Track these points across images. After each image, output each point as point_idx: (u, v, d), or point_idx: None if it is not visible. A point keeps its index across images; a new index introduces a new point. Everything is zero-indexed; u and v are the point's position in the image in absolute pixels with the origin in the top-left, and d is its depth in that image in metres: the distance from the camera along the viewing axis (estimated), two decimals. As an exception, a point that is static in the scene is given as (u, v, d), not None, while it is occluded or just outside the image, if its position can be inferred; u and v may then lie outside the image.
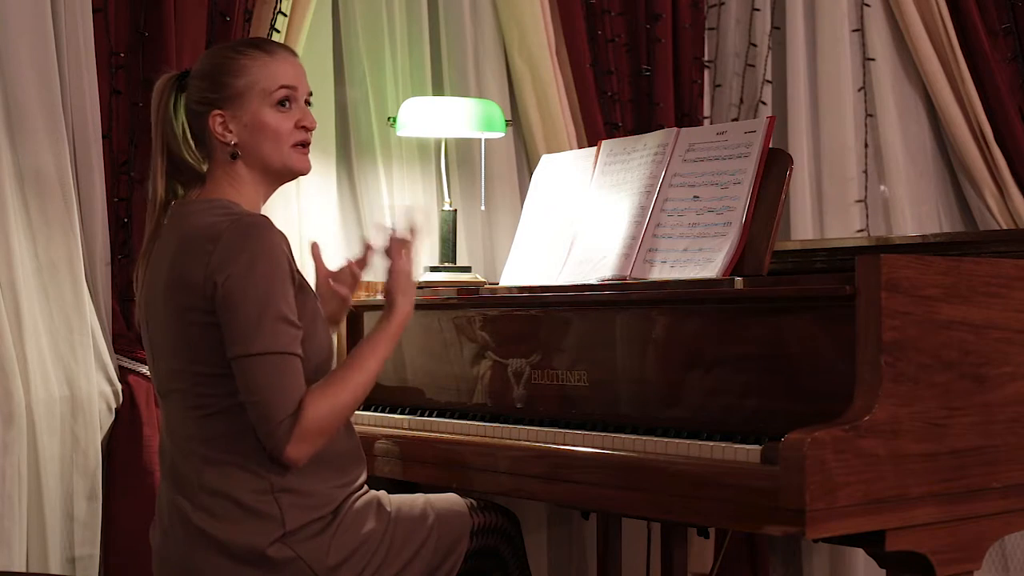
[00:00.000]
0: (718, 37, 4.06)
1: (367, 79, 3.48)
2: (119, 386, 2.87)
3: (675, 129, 2.76)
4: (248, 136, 2.26)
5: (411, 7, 3.55)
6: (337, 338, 3.06)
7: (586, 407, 2.56)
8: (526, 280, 2.90)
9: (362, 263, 2.56)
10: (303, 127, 2.30)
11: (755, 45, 4.00)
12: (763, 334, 2.28)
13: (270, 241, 2.15)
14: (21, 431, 2.73)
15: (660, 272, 2.60)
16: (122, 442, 2.86)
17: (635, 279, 2.64)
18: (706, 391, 2.37)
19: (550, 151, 3.40)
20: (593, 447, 2.37)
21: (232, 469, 2.17)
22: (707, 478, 2.13)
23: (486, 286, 3.16)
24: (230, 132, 2.26)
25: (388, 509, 2.31)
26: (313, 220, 3.38)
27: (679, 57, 3.90)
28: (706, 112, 4.01)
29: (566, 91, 3.69)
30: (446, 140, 3.46)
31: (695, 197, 2.63)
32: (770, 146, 2.57)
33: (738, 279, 2.41)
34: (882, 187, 3.98)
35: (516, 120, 3.70)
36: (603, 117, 3.73)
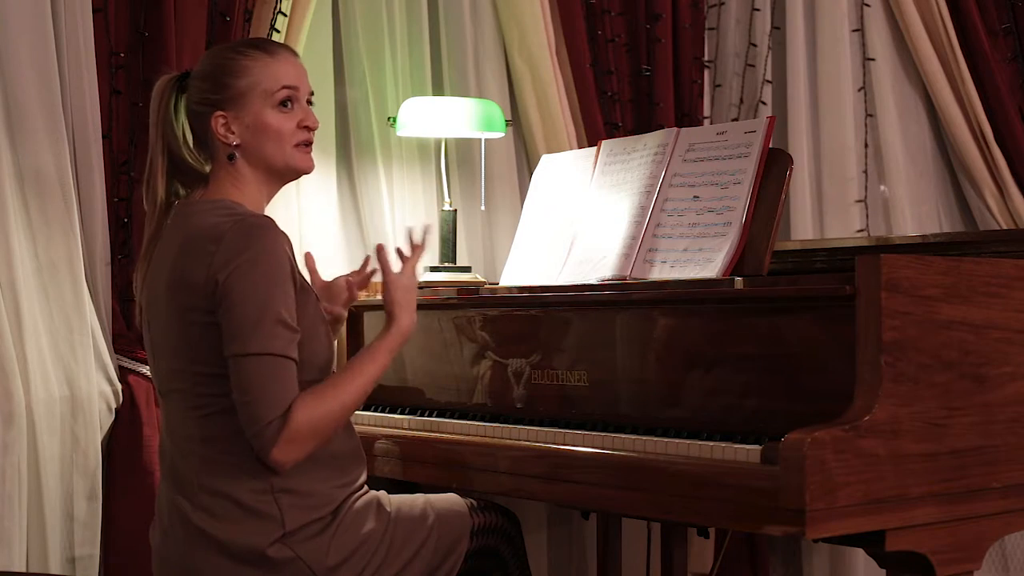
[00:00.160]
0: (718, 37, 4.06)
1: (367, 79, 3.48)
2: (119, 386, 2.87)
3: (675, 129, 2.76)
4: (251, 137, 2.26)
5: (411, 7, 3.55)
6: (337, 341, 3.06)
7: (586, 407, 2.56)
8: (526, 280, 2.90)
9: (363, 283, 2.56)
10: (305, 127, 2.30)
11: (755, 45, 4.00)
12: (763, 334, 2.28)
13: (273, 242, 2.15)
14: (21, 431, 2.73)
15: (660, 272, 2.60)
16: (122, 442, 2.86)
17: (635, 279, 2.64)
18: (706, 391, 2.36)
19: (550, 151, 3.40)
20: (593, 447, 2.37)
21: (232, 469, 2.17)
22: (707, 478, 2.13)
23: (486, 286, 3.16)
24: (232, 133, 2.26)
25: (388, 509, 2.31)
26: (313, 220, 3.38)
27: (679, 57, 3.90)
28: (706, 112, 4.01)
29: (566, 91, 3.69)
30: (446, 140, 3.47)
31: (695, 197, 2.63)
32: (770, 146, 2.57)
33: (738, 279, 2.41)
34: (882, 187, 3.98)
35: (516, 120, 3.70)
36: (603, 117, 3.73)
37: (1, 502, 2.69)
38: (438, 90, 3.63)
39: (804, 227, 3.91)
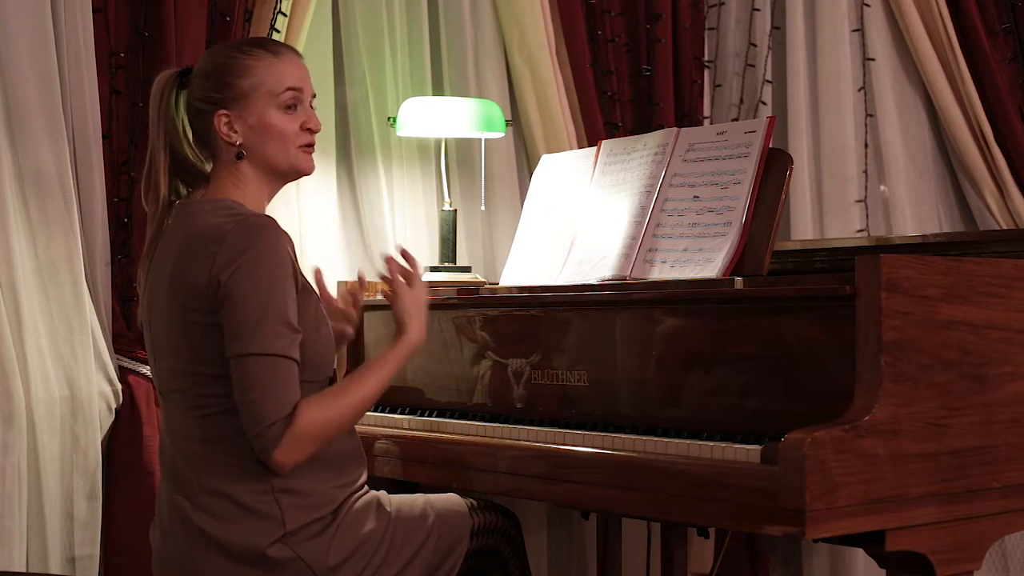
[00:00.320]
0: (718, 37, 4.06)
1: (367, 79, 3.48)
2: (119, 386, 2.87)
3: (675, 129, 2.76)
4: (254, 137, 2.26)
5: (411, 7, 3.55)
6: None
7: (586, 407, 2.56)
8: (526, 280, 2.90)
9: (357, 298, 2.58)
10: (308, 129, 2.30)
11: (755, 45, 4.00)
12: (763, 334, 2.28)
13: (275, 242, 2.15)
14: (21, 431, 2.73)
15: (660, 272, 2.60)
16: (122, 442, 2.86)
17: (635, 279, 2.64)
18: (706, 391, 2.36)
19: (550, 151, 3.40)
20: (593, 447, 2.37)
21: (232, 469, 2.17)
22: (707, 478, 2.13)
23: (486, 286, 3.16)
24: (235, 132, 2.26)
25: (388, 509, 2.31)
26: (313, 220, 3.38)
27: (679, 57, 3.90)
28: (706, 112, 4.01)
29: (566, 91, 3.69)
30: (446, 140, 3.46)
31: (695, 197, 2.63)
32: (770, 146, 2.57)
33: (738, 279, 2.41)
34: (882, 187, 3.98)
35: (516, 120, 3.70)
36: (603, 117, 3.73)
37: (1, 502, 2.69)
38: (438, 90, 3.63)
39: (804, 227, 3.91)
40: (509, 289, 2.88)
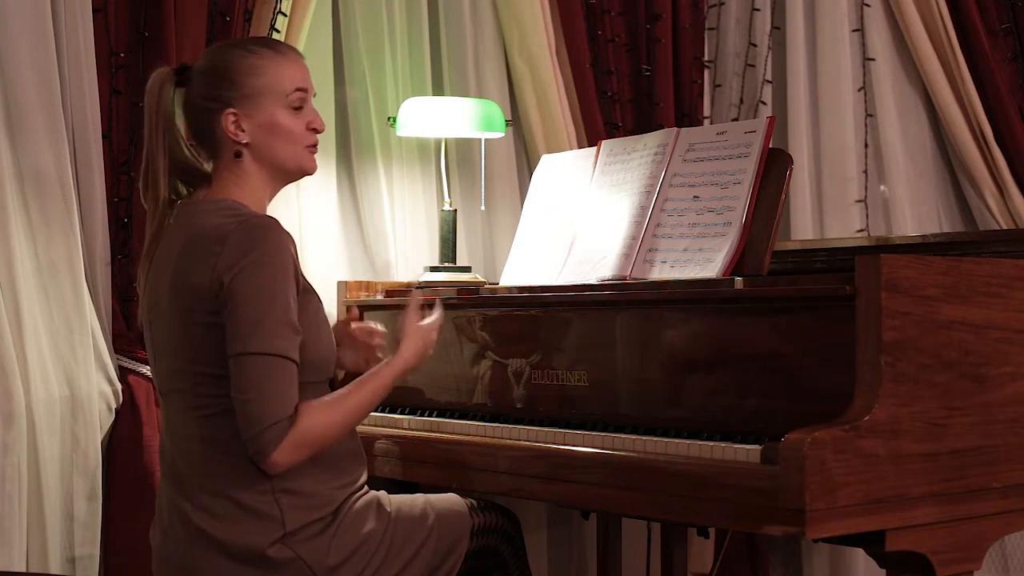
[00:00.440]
0: (718, 37, 4.06)
1: (367, 79, 3.48)
2: (119, 386, 2.87)
3: (675, 129, 2.76)
4: (262, 137, 2.26)
5: (411, 7, 3.55)
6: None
7: (586, 407, 2.56)
8: (526, 280, 2.90)
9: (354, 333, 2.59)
10: (313, 129, 2.31)
11: (755, 45, 4.00)
12: (763, 334, 2.28)
13: (278, 243, 2.15)
14: (21, 431, 2.73)
15: (660, 272, 2.60)
16: (122, 442, 2.86)
17: (635, 279, 2.64)
18: (706, 391, 2.36)
19: (550, 151, 3.40)
20: (593, 447, 2.37)
21: (232, 470, 2.16)
22: (707, 478, 2.13)
23: (486, 286, 3.16)
24: (243, 131, 2.25)
25: (388, 509, 2.31)
26: (313, 220, 3.38)
27: (679, 57, 3.90)
28: (706, 112, 4.01)
29: (566, 91, 3.69)
30: (446, 140, 3.46)
31: (695, 197, 2.62)
32: (770, 146, 2.57)
33: (738, 279, 2.41)
34: (882, 187, 3.98)
35: (516, 120, 3.70)
36: (603, 117, 3.73)
37: (1, 502, 2.69)
38: (438, 90, 3.63)
39: (804, 227, 3.91)
40: (509, 289, 2.88)
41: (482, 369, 2.79)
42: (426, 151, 3.56)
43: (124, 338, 2.90)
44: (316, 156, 2.36)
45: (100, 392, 2.84)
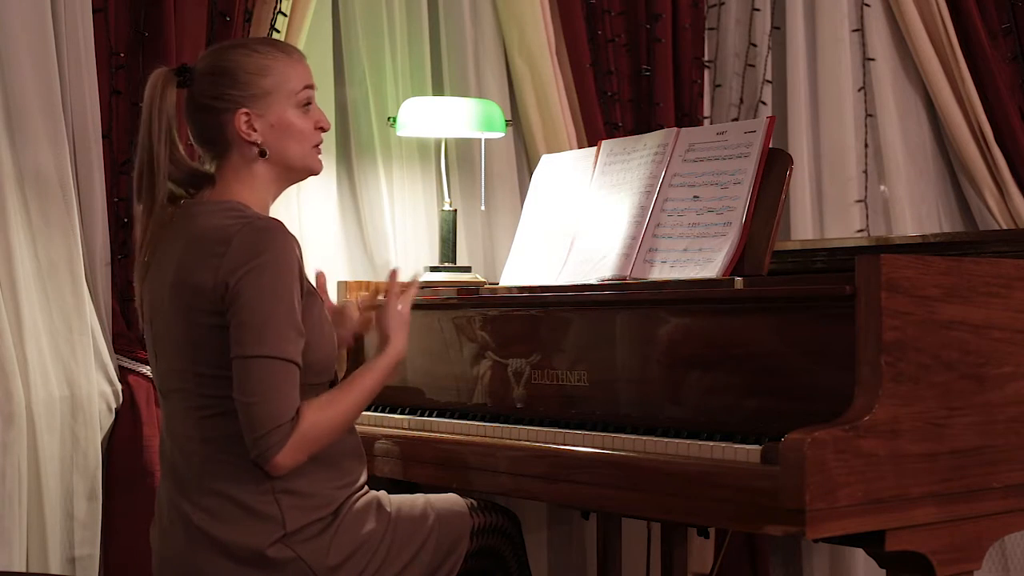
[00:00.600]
0: (718, 37, 4.06)
1: (367, 79, 3.48)
2: (119, 386, 2.87)
3: (675, 129, 2.76)
4: (274, 136, 2.26)
5: (411, 7, 3.55)
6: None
7: (586, 407, 2.56)
8: (526, 280, 2.90)
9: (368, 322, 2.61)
10: (320, 128, 2.32)
11: (755, 45, 4.00)
12: (763, 334, 2.28)
13: (283, 246, 2.15)
14: (21, 431, 2.73)
15: (660, 272, 2.60)
16: (122, 442, 2.86)
17: (635, 279, 2.64)
18: (706, 391, 2.36)
19: (550, 151, 3.40)
20: (593, 447, 2.37)
21: (233, 470, 2.17)
22: (707, 478, 2.13)
23: (486, 286, 3.16)
24: (255, 131, 2.25)
25: (388, 509, 2.31)
26: (313, 220, 3.38)
27: (679, 57, 3.90)
28: (706, 112, 4.01)
29: (566, 91, 3.69)
30: (446, 140, 3.46)
31: (695, 197, 2.63)
32: (770, 146, 2.57)
33: (738, 279, 2.41)
34: (882, 187, 3.98)
35: (516, 120, 3.70)
36: (603, 117, 3.73)
37: (1, 502, 2.69)
38: (438, 90, 3.63)
39: (804, 227, 3.91)
40: (509, 289, 2.88)
41: (482, 369, 2.79)
42: (426, 151, 3.56)
43: (124, 338, 2.90)
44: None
45: (100, 392, 2.84)
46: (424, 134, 3.38)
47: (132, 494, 2.83)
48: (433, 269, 3.29)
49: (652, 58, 3.84)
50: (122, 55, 2.93)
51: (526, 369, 2.68)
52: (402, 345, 2.36)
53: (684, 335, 2.43)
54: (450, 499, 2.44)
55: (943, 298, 2.15)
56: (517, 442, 2.52)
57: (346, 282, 3.22)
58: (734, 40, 4.05)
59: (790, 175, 2.53)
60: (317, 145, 2.33)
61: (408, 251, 3.50)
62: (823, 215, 3.96)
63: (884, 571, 2.24)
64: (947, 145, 3.97)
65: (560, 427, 2.49)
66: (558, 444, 2.44)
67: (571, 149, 3.58)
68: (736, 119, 3.98)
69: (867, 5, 3.94)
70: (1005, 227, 3.80)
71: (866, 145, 3.95)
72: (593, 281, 2.70)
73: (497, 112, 3.38)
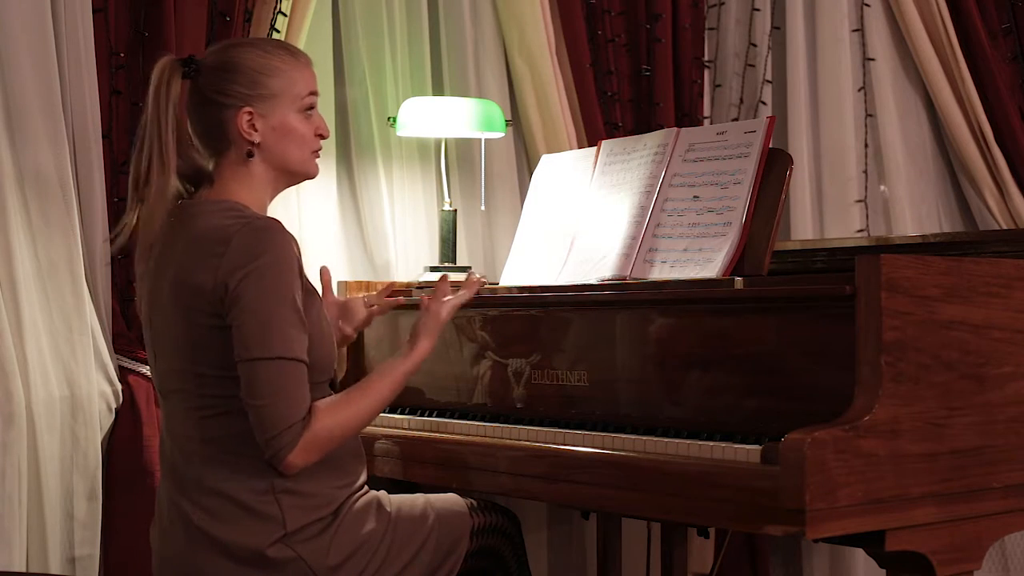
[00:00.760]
0: (718, 37, 4.06)
1: (367, 79, 3.48)
2: (119, 386, 2.87)
3: (675, 129, 2.76)
4: (274, 138, 2.26)
5: (411, 7, 3.55)
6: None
7: (586, 407, 2.56)
8: (526, 280, 2.90)
9: (383, 309, 2.63)
10: (320, 135, 2.32)
11: (755, 45, 4.00)
12: (763, 334, 2.28)
13: (283, 245, 2.15)
14: (21, 431, 2.73)
15: (660, 272, 2.60)
16: (122, 442, 2.86)
17: (635, 279, 2.64)
18: (706, 391, 2.36)
19: (550, 151, 3.40)
20: (593, 447, 2.37)
21: (233, 470, 2.17)
22: (707, 478, 2.13)
23: (486, 286, 3.16)
24: (256, 131, 2.25)
25: (388, 509, 2.31)
26: (313, 220, 3.38)
27: (679, 57, 3.90)
28: (706, 112, 4.01)
29: (566, 91, 3.69)
30: (446, 140, 3.47)
31: (695, 197, 2.63)
32: (770, 146, 2.57)
33: (738, 279, 2.41)
34: (882, 187, 3.98)
35: (516, 120, 3.70)
36: (603, 117, 3.73)
37: (1, 502, 2.69)
38: (438, 90, 3.63)
39: (804, 227, 3.91)
40: (509, 289, 2.88)
41: (482, 369, 2.79)
42: (426, 151, 3.56)
43: (124, 338, 2.90)
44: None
45: (100, 392, 2.84)
46: (424, 134, 3.38)
47: (132, 494, 2.83)
48: (433, 269, 3.29)
49: (652, 58, 3.84)
50: (122, 55, 2.93)
51: (526, 369, 2.68)
52: (428, 349, 2.35)
53: (684, 335, 2.43)
54: (450, 499, 2.44)
55: (943, 298, 2.15)
56: (517, 442, 2.52)
57: (346, 282, 3.22)
58: (734, 40, 4.05)
59: (790, 175, 2.53)
60: (316, 151, 2.33)
61: (408, 251, 3.50)
62: (823, 215, 3.96)
63: (884, 571, 2.24)
64: (947, 145, 3.97)
65: (560, 427, 2.49)
66: (558, 444, 2.44)
67: (571, 149, 3.58)
68: (736, 119, 3.98)
69: (867, 5, 3.94)
70: (1005, 227, 3.80)
71: (866, 145, 3.95)
72: (593, 281, 2.70)
73: (497, 112, 3.38)
